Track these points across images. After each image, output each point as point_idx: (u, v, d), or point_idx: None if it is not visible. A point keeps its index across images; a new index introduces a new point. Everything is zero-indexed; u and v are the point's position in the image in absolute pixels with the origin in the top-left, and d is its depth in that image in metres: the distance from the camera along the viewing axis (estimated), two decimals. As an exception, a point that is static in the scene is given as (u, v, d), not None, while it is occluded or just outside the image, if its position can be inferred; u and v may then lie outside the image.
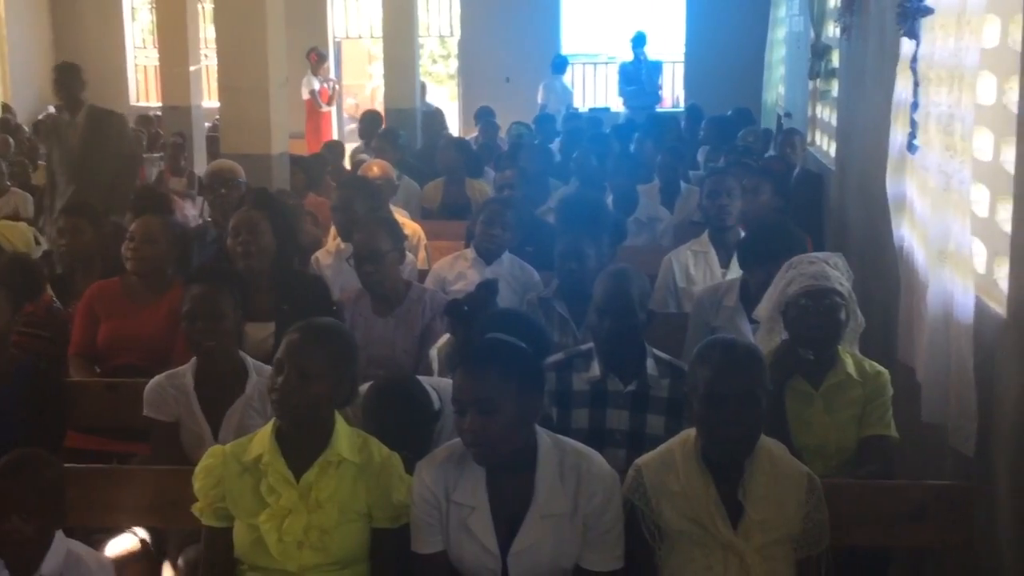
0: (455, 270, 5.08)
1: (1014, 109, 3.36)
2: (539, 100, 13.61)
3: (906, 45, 4.29)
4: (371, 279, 4.39)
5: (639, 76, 12.92)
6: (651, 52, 13.42)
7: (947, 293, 3.71)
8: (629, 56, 13.23)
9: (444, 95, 20.04)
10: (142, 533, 3.50)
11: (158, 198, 5.14)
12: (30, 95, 16.10)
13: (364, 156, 8.69)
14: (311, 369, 2.82)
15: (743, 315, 4.26)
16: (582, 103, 16.05)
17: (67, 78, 7.51)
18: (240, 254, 4.36)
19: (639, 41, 13.04)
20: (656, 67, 13.26)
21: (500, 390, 2.68)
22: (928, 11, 3.99)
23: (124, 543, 3.45)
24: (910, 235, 4.27)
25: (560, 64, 13.99)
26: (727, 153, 8.25)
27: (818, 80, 8.38)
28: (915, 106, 4.15)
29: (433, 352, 4.03)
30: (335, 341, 2.92)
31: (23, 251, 5.16)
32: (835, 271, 3.43)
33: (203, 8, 13.06)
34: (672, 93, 16.07)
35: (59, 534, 2.87)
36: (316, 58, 14.02)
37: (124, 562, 3.38)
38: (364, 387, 3.25)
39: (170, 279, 4.50)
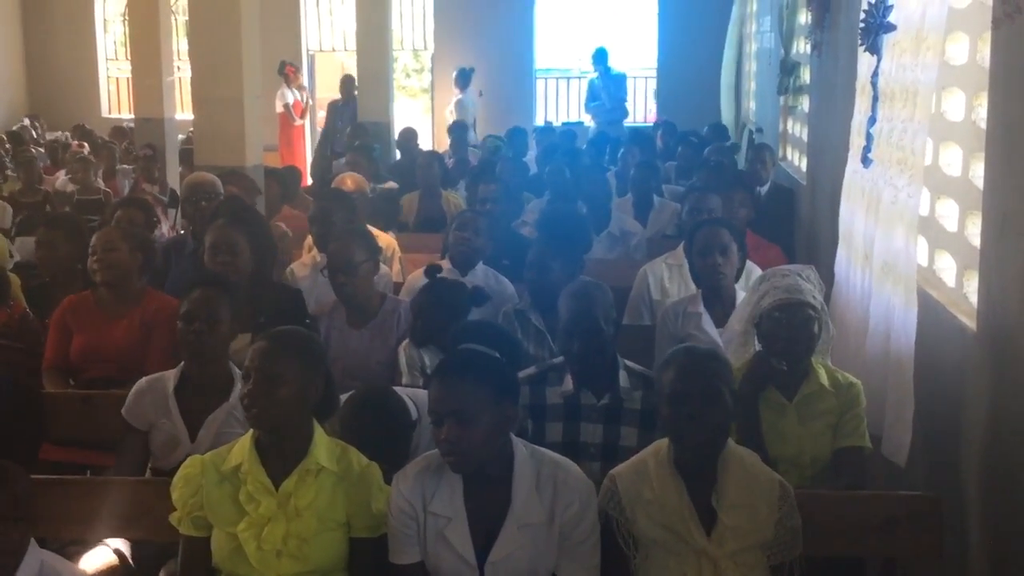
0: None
1: (983, 125, 3.42)
2: (450, 116, 13.19)
3: (866, 62, 4.36)
4: (344, 290, 4.40)
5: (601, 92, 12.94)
6: (620, 66, 13.40)
7: (889, 306, 3.77)
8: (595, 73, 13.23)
9: (417, 109, 20.04)
10: (118, 545, 3.47)
11: (140, 203, 5.12)
12: (1, 106, 15.98)
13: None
14: (276, 374, 2.85)
15: (709, 320, 4.37)
16: (555, 118, 16.10)
17: None
18: (219, 273, 4.30)
19: (599, 58, 13.02)
20: (616, 81, 13.13)
21: (476, 400, 2.70)
22: (891, 28, 4.05)
23: (100, 556, 3.42)
24: (846, 248, 4.35)
25: (466, 78, 13.71)
26: (699, 170, 8.31)
27: (788, 96, 8.46)
28: (872, 120, 4.21)
29: (401, 353, 4.09)
30: (300, 346, 2.95)
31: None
32: (808, 283, 3.47)
33: (176, 20, 13.02)
34: (645, 106, 16.13)
35: (32, 544, 2.84)
36: (293, 71, 13.99)
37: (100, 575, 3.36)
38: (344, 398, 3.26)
39: (140, 290, 4.49)
